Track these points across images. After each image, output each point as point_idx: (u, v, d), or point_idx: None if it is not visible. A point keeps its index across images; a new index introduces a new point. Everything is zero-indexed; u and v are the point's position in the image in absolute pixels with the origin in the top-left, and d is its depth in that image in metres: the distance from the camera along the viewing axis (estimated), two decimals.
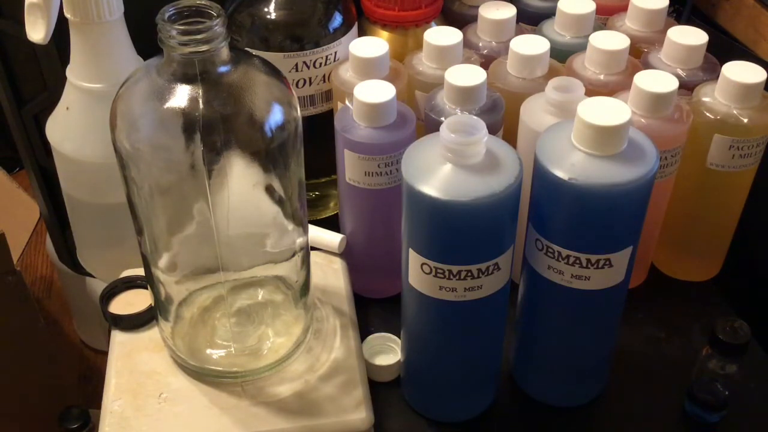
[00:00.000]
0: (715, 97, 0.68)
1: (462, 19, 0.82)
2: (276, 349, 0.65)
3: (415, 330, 0.63)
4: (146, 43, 0.62)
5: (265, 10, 0.74)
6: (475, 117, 0.55)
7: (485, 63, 0.73)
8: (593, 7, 0.75)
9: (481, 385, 0.66)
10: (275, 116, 0.56)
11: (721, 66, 0.68)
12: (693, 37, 0.71)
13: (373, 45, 0.71)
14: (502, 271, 0.57)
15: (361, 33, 0.80)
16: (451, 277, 0.56)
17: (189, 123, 0.53)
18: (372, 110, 0.65)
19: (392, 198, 0.67)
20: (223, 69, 0.54)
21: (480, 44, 0.77)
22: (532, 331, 0.66)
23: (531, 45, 0.70)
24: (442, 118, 0.62)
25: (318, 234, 0.74)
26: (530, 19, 0.81)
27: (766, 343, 0.73)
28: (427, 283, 0.58)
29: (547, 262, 0.59)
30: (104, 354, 0.67)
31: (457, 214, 0.54)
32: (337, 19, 0.76)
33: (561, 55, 0.73)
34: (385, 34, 0.79)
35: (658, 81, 0.65)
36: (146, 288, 0.67)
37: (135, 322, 0.67)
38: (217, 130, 0.54)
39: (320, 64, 0.75)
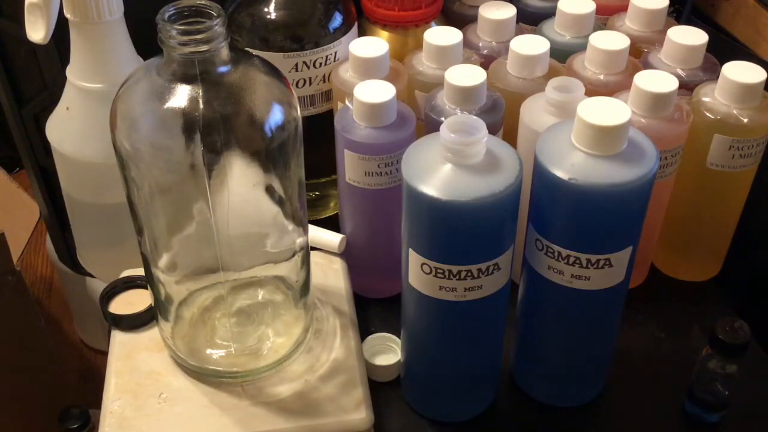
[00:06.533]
0: (715, 97, 0.68)
1: (462, 19, 0.82)
2: (276, 349, 0.65)
3: (415, 330, 0.63)
4: (146, 43, 0.62)
5: (265, 10, 0.74)
6: (475, 117, 0.55)
7: (485, 63, 0.73)
8: (593, 7, 0.75)
9: (481, 385, 0.66)
10: (275, 116, 0.56)
11: (721, 66, 0.68)
12: (693, 37, 0.71)
13: (373, 45, 0.71)
14: (502, 271, 0.57)
15: (361, 33, 0.80)
16: (451, 277, 0.56)
17: (189, 123, 0.53)
18: (372, 110, 0.65)
19: (392, 198, 0.67)
20: (223, 69, 0.54)
21: (480, 44, 0.77)
22: (532, 331, 0.66)
23: (531, 45, 0.70)
24: (442, 118, 0.62)
25: (318, 234, 0.74)
26: (530, 19, 0.81)
27: (766, 343, 0.73)
28: (427, 283, 0.58)
29: (547, 262, 0.59)
30: (104, 354, 0.67)
31: (457, 214, 0.54)
32: (337, 19, 0.76)
33: (561, 55, 0.73)
34: (385, 34, 0.79)
35: (658, 81, 0.65)
36: (146, 288, 0.67)
37: (135, 322, 0.67)
38: (217, 130, 0.54)
39: (320, 64, 0.75)
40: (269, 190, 0.60)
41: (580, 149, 0.55)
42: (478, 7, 0.77)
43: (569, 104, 0.63)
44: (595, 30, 0.73)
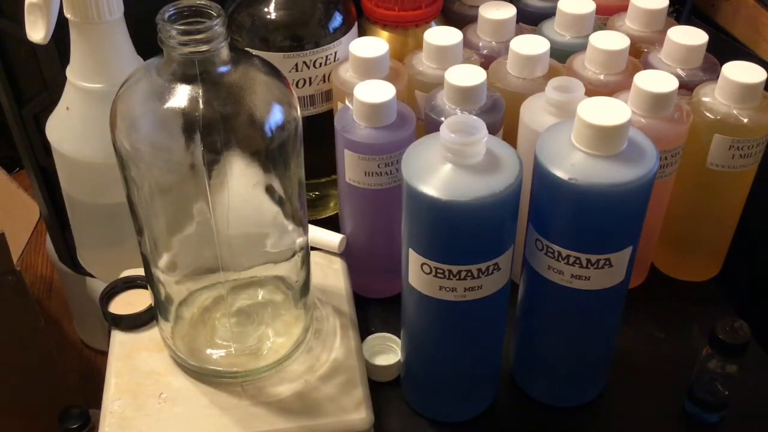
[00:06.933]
0: (715, 97, 0.68)
1: (462, 19, 0.82)
2: (276, 349, 0.65)
3: (415, 330, 0.63)
4: (146, 43, 0.62)
5: (265, 10, 0.74)
6: (475, 117, 0.55)
7: (485, 63, 0.73)
8: (593, 7, 0.75)
9: (481, 385, 0.66)
10: (275, 116, 0.56)
11: (721, 66, 0.68)
12: (693, 37, 0.71)
13: (373, 45, 0.71)
14: (502, 271, 0.57)
15: (361, 33, 0.80)
16: (451, 277, 0.56)
17: (189, 123, 0.53)
18: (372, 110, 0.65)
19: (392, 198, 0.67)
20: (223, 69, 0.54)
21: (480, 44, 0.77)
22: (532, 331, 0.66)
23: (531, 45, 0.70)
24: (442, 118, 0.62)
25: (318, 234, 0.74)
26: (530, 19, 0.81)
27: (766, 343, 0.73)
28: (427, 283, 0.58)
29: (547, 262, 0.59)
30: (104, 354, 0.67)
31: (457, 214, 0.54)
32: (337, 19, 0.76)
33: (561, 55, 0.73)
34: (385, 34, 0.79)
35: (658, 81, 0.65)
36: (146, 288, 0.67)
37: (135, 322, 0.67)
38: (217, 130, 0.54)
39: (320, 64, 0.75)
40: (269, 190, 0.60)
41: (580, 149, 0.55)
42: (478, 7, 0.77)
43: (569, 104, 0.63)
44: (595, 30, 0.73)
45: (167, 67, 0.53)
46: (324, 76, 0.76)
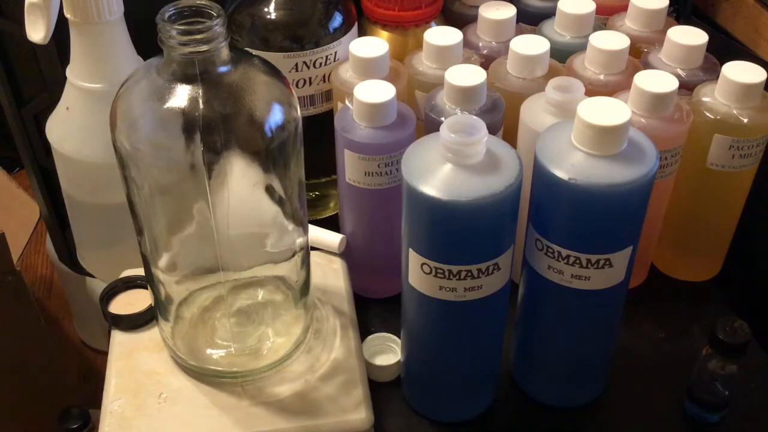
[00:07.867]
0: (715, 97, 0.68)
1: (462, 19, 0.82)
2: (276, 349, 0.65)
3: (415, 330, 0.63)
4: (146, 43, 0.62)
5: (265, 10, 0.74)
6: (475, 117, 0.55)
7: (485, 63, 0.73)
8: (593, 7, 0.75)
9: (481, 385, 0.66)
10: (275, 116, 0.56)
11: (721, 66, 0.68)
12: (693, 37, 0.71)
13: (373, 45, 0.71)
14: (502, 271, 0.57)
15: (361, 33, 0.80)
16: (451, 277, 0.56)
17: (189, 123, 0.53)
18: (372, 110, 0.65)
19: (392, 198, 0.67)
20: (223, 69, 0.54)
21: (480, 44, 0.77)
22: (532, 331, 0.66)
23: (531, 45, 0.70)
24: (442, 118, 0.62)
25: (318, 234, 0.74)
26: (530, 19, 0.81)
27: (766, 343, 0.73)
28: (427, 283, 0.58)
29: (547, 262, 0.59)
30: (104, 354, 0.67)
31: (457, 214, 0.54)
32: (337, 19, 0.76)
33: (561, 55, 0.73)
34: (385, 34, 0.79)
35: (658, 81, 0.65)
36: (146, 288, 0.67)
37: (135, 322, 0.67)
38: (217, 130, 0.54)
39: (320, 64, 0.75)
40: (269, 190, 0.60)
41: (580, 149, 0.55)
42: (478, 7, 0.77)
43: (569, 104, 0.63)
44: (595, 30, 0.73)
45: (167, 67, 0.54)
46: (324, 76, 0.76)
